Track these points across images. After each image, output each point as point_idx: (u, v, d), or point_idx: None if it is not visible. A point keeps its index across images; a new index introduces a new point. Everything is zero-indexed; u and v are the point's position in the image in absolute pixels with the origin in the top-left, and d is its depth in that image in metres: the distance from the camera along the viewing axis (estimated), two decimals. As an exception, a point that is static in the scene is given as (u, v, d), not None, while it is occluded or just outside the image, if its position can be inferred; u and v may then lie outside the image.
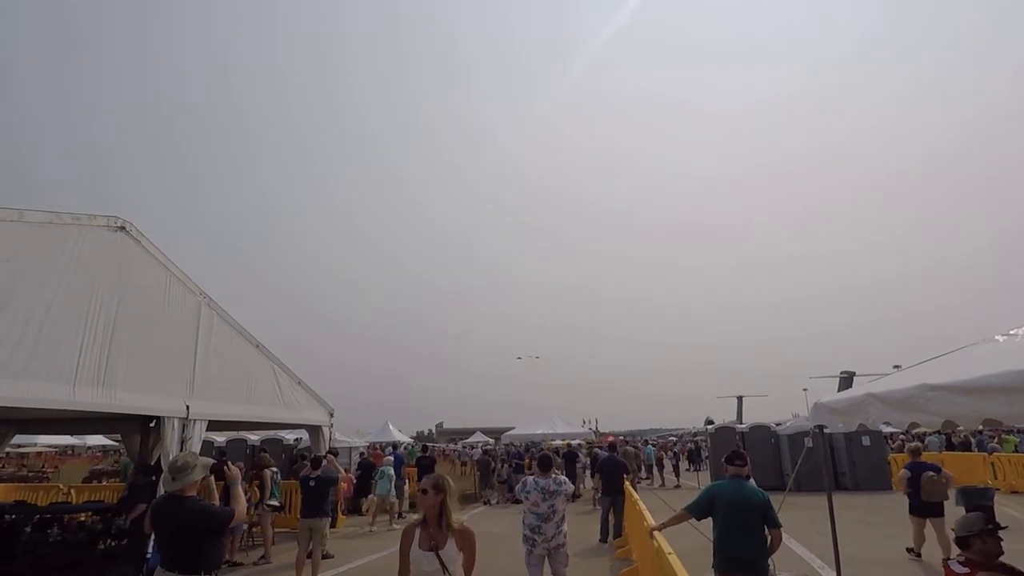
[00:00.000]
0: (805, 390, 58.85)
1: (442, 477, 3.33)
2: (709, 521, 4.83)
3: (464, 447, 44.17)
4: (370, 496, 14.04)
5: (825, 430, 6.02)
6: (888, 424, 4.98)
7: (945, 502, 8.09)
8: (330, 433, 12.76)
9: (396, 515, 14.01)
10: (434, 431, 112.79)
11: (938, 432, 24.89)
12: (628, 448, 20.10)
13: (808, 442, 16.77)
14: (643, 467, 23.59)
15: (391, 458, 17.18)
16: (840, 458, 18.36)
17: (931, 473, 8.23)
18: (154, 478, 7.63)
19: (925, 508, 8.13)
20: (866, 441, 17.97)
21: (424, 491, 3.22)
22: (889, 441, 26.89)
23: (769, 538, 4.57)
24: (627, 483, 10.93)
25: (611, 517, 10.84)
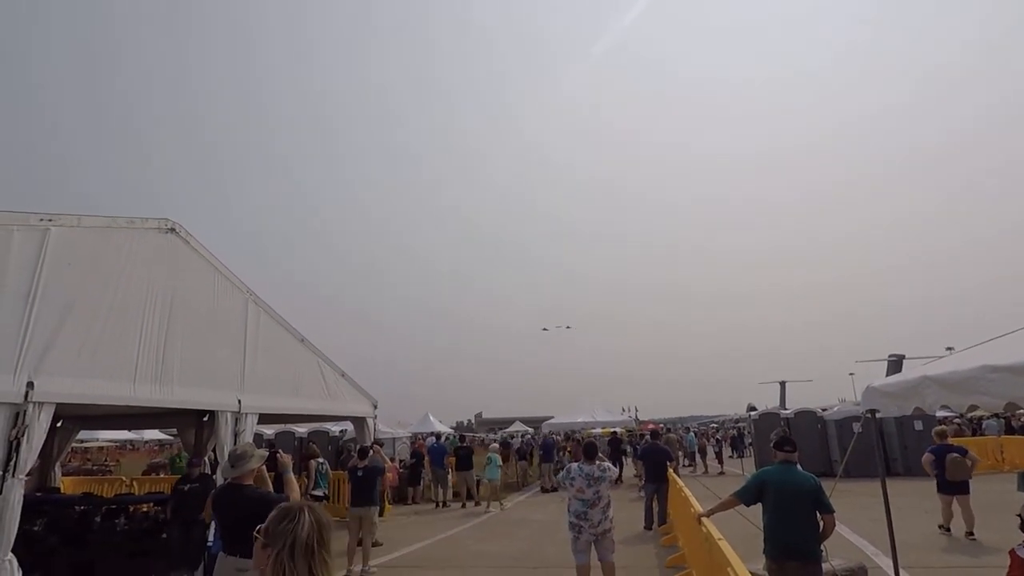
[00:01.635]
0: (852, 374, 57.07)
1: (288, 516, 1.72)
2: (757, 508, 4.76)
3: (504, 436, 44.52)
4: (483, 481, 15.59)
5: (878, 415, 5.84)
6: (946, 408, 4.80)
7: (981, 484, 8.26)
8: (374, 424, 13.05)
9: (500, 501, 15.09)
10: (473, 421, 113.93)
11: (996, 416, 23.81)
12: (671, 435, 19.92)
13: (857, 427, 16.31)
14: (686, 454, 23.36)
15: (496, 445, 18.00)
16: (891, 443, 17.77)
17: (955, 455, 8.93)
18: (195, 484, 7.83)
19: (951, 486, 8.84)
20: (918, 426, 17.33)
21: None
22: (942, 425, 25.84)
23: (821, 524, 4.48)
24: (671, 470, 10.85)
25: (655, 504, 10.79)
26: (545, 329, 79.99)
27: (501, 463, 15.88)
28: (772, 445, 4.98)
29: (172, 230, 7.52)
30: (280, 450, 4.90)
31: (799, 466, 4.86)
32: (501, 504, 14.85)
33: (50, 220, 5.85)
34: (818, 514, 4.49)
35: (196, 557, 7.28)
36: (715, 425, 57.66)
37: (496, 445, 18.00)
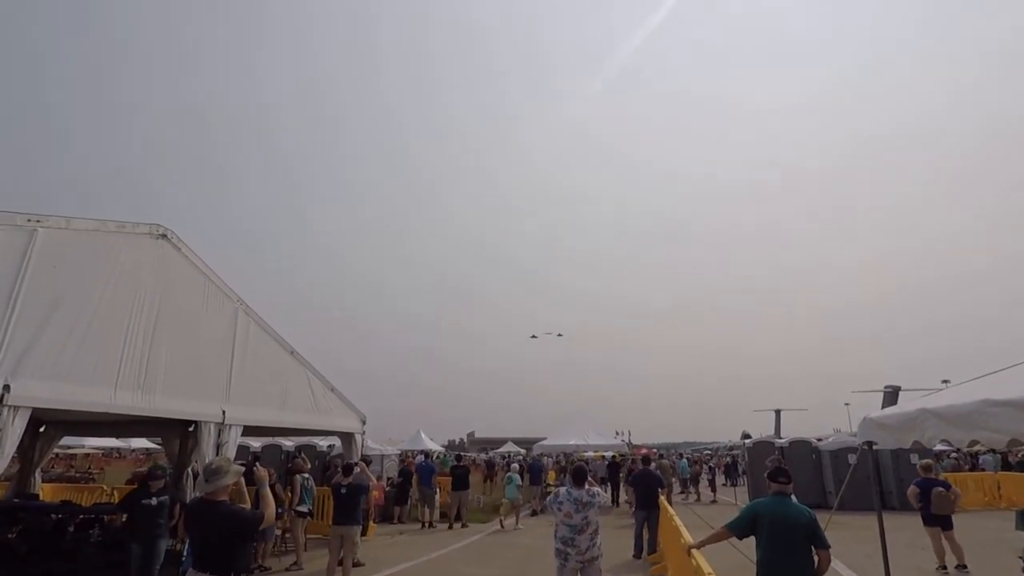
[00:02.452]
0: (847, 404, 56.86)
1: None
2: (750, 540, 4.61)
3: (495, 456, 44.00)
4: (503, 500, 15.82)
5: (875, 446, 5.72)
6: (944, 442, 4.68)
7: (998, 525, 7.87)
8: (362, 440, 12.82)
9: (516, 519, 15.15)
10: (465, 440, 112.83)
11: (992, 451, 23.60)
12: (663, 461, 19.65)
13: (852, 459, 16.07)
14: (679, 481, 23.04)
15: (516, 464, 17.96)
16: (887, 476, 17.55)
17: (940, 489, 8.97)
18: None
19: (936, 520, 8.92)
20: (914, 459, 17.12)
21: None
22: (938, 460, 25.58)
23: (816, 559, 4.33)
24: (662, 498, 10.63)
25: (645, 532, 10.55)
26: (534, 336, 72.41)
27: (521, 483, 15.95)
28: (766, 475, 4.84)
29: (164, 236, 7.42)
30: (257, 464, 4.75)
31: (794, 498, 4.72)
32: (517, 523, 14.91)
33: (38, 221, 5.76)
34: (813, 549, 4.34)
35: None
36: (708, 452, 57.13)
37: (516, 465, 18.09)
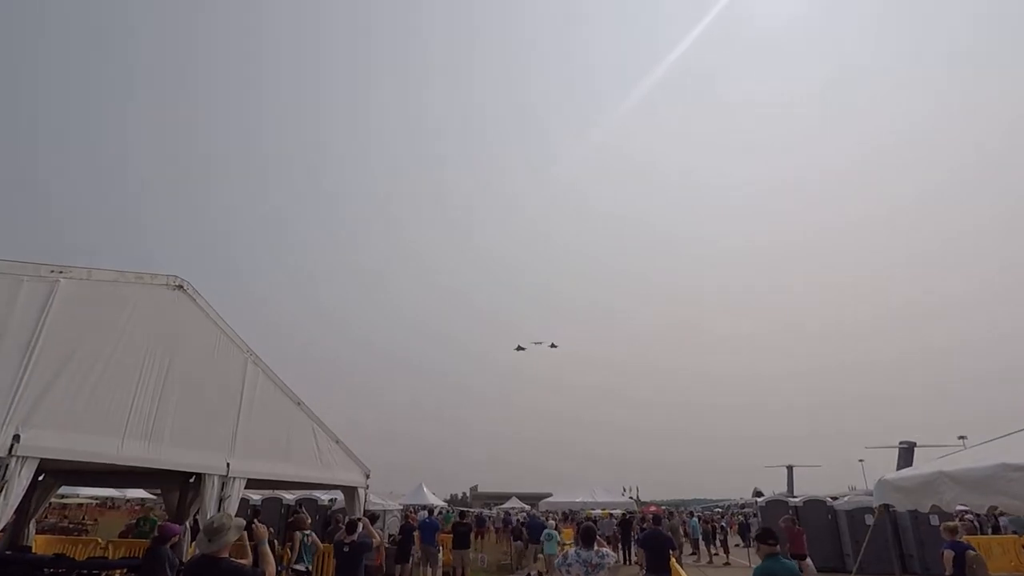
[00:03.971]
0: (861, 461, 55.20)
1: None
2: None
3: (499, 512, 42.74)
4: (538, 555, 16.08)
5: (892, 508, 5.59)
6: (964, 505, 4.58)
7: None
8: (366, 495, 12.56)
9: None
10: (468, 495, 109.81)
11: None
12: (673, 521, 19.05)
13: (870, 520, 15.56)
14: (689, 541, 22.24)
15: (553, 522, 17.74)
16: (906, 538, 16.89)
17: (975, 553, 8.45)
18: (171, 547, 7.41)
19: None
20: (934, 520, 16.52)
21: None
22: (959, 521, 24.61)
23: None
24: (673, 559, 10.26)
25: (656, 596, 10.11)
26: (522, 348, 63.09)
27: (560, 539, 15.98)
28: (754, 538, 4.84)
29: (180, 287, 7.56)
30: (256, 520, 4.69)
31: (782, 558, 4.71)
32: None
33: (60, 272, 5.91)
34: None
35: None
36: (719, 510, 55.31)
37: (553, 522, 18.00)
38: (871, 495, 7.07)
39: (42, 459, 5.56)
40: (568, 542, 20.17)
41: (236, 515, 4.53)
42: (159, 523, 9.97)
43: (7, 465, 5.22)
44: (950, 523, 9.69)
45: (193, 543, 7.50)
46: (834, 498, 20.20)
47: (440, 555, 15.16)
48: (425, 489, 31.56)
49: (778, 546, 4.84)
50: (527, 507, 41.67)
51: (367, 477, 12.60)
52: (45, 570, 9.22)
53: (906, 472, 5.35)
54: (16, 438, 5.27)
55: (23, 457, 5.35)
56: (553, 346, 64.40)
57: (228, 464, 8.06)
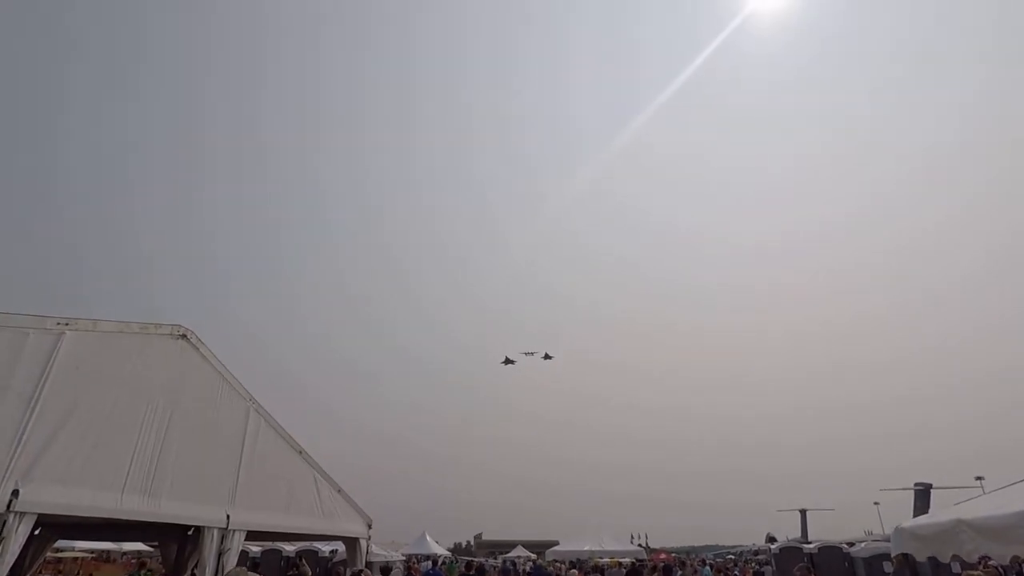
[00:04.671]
0: (877, 504, 53.65)
1: None
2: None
3: (506, 562, 41.43)
4: None
5: (910, 557, 5.41)
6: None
7: None
8: (367, 545, 12.22)
9: None
10: (472, 543, 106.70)
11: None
12: (685, 571, 18.46)
13: (888, 567, 15.01)
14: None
15: (575, 572, 17.27)
16: (928, 587, 16.30)
17: None
18: None
19: None
20: (956, 568, 15.97)
21: None
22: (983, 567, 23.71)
23: None
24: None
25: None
26: (510, 361, 53.59)
27: None
28: None
29: (184, 336, 7.58)
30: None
31: None
32: None
33: (66, 324, 5.95)
34: None
35: None
36: (732, 556, 53.43)
37: (575, 572, 17.53)
38: (888, 540, 6.88)
39: (40, 514, 5.47)
40: None
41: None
42: None
43: (5, 521, 5.13)
44: (973, 572, 9.36)
45: None
46: (850, 544, 19.58)
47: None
48: (428, 538, 30.74)
49: None
50: (533, 556, 40.39)
51: (369, 527, 12.29)
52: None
53: (923, 520, 5.21)
54: (15, 493, 5.19)
55: (21, 513, 5.26)
56: (548, 357, 54.97)
57: (228, 516, 7.88)
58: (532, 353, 53.56)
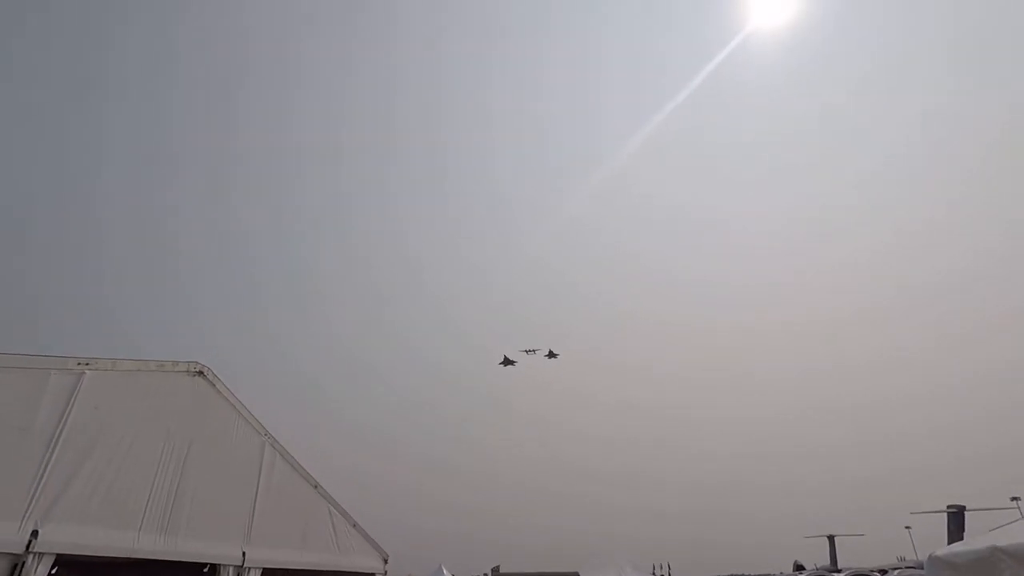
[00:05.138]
0: (908, 528, 51.88)
1: None
2: None
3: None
4: None
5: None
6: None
7: None
8: (383, 582, 12.02)
9: None
10: (490, 575, 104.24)
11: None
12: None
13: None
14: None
15: None
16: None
17: None
18: None
19: None
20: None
21: None
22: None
23: None
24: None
25: None
26: (511, 363, 47.17)
27: None
28: None
29: (200, 373, 7.66)
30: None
31: None
32: None
33: (86, 364, 6.04)
34: None
35: None
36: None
37: None
38: (922, 568, 6.64)
39: (59, 554, 5.47)
40: None
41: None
42: None
43: (23, 562, 5.14)
44: None
45: None
46: (882, 571, 18.90)
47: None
48: (444, 571, 30.20)
49: None
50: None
51: (385, 562, 12.11)
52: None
53: (958, 548, 5.02)
54: (35, 534, 5.22)
55: (40, 553, 5.28)
56: (552, 355, 48.68)
57: (244, 553, 7.82)
58: (534, 351, 47.33)
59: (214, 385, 7.89)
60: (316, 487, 10.06)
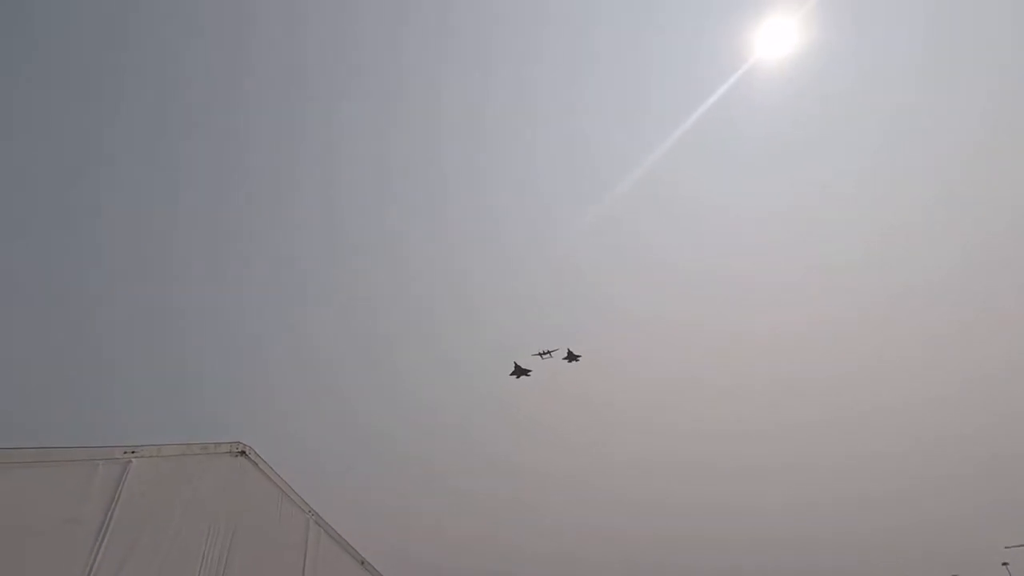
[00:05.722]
0: (1006, 564, 47.24)
1: None
2: None
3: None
4: None
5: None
6: None
7: None
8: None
9: None
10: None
11: None
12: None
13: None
14: None
15: None
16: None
17: None
18: None
19: None
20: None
21: None
22: None
23: None
24: None
25: None
26: (525, 373, 40.01)
27: None
28: None
29: (243, 453, 7.74)
30: None
31: None
32: None
33: (133, 452, 6.19)
34: None
35: None
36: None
37: None
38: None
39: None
40: None
41: None
42: None
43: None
44: None
45: None
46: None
47: None
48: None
49: None
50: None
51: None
52: None
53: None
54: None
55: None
56: (573, 357, 41.00)
57: (294, 640, 7.62)
58: (548, 354, 39.81)
59: (256, 465, 7.94)
60: (363, 563, 9.85)
